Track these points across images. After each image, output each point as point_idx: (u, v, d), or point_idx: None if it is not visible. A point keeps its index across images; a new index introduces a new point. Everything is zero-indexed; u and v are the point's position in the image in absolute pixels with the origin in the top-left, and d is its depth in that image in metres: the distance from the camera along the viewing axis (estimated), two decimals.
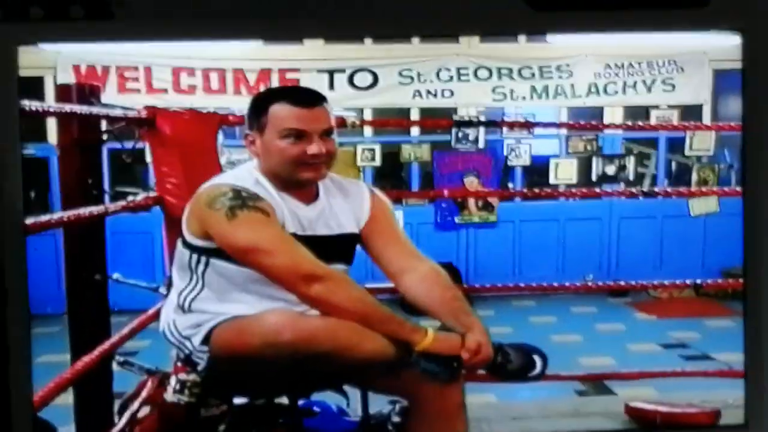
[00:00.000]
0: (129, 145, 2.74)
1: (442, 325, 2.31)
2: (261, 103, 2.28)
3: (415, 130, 3.67)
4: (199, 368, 2.27)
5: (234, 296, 2.25)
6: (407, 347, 2.19)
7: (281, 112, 2.23)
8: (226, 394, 2.37)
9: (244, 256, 2.17)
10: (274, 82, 2.82)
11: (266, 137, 2.24)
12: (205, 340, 2.25)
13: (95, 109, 2.66)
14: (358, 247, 2.44)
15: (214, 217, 2.17)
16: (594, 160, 3.63)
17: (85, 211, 2.60)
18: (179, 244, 2.31)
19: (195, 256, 2.26)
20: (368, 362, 2.19)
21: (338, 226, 2.36)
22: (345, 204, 2.38)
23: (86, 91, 2.67)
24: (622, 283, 3.57)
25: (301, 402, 2.50)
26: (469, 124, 3.29)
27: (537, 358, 2.43)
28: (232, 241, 2.16)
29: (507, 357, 2.35)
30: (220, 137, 2.79)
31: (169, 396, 2.35)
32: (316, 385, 2.43)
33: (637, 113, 3.74)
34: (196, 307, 2.28)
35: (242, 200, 2.17)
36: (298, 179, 2.25)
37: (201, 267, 2.26)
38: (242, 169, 2.33)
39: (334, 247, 2.34)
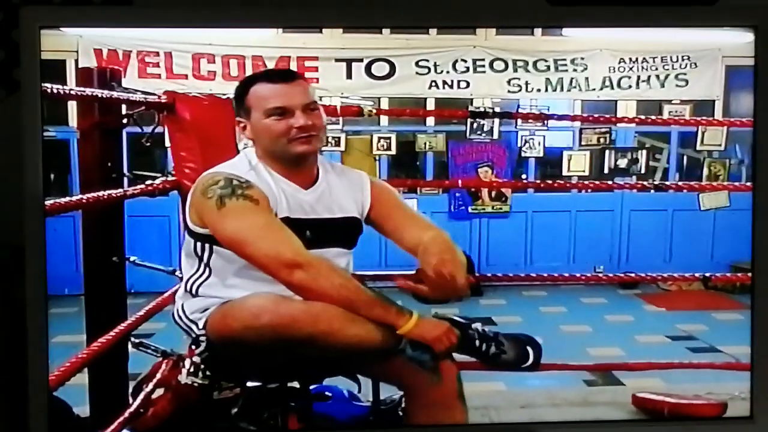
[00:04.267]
0: (148, 129, 2.77)
1: (436, 313, 2.34)
2: (242, 89, 2.35)
3: (430, 120, 3.69)
4: (198, 351, 2.33)
5: (236, 281, 2.29)
6: (396, 333, 2.22)
7: (261, 92, 2.31)
8: (235, 377, 2.41)
9: (230, 245, 2.22)
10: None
11: (253, 119, 2.32)
12: (205, 324, 2.31)
13: (116, 93, 2.69)
14: (372, 231, 2.47)
15: (206, 205, 2.22)
16: (606, 152, 3.64)
17: (103, 193, 2.64)
18: (185, 232, 2.36)
19: (199, 244, 2.31)
20: (353, 348, 2.21)
21: (340, 209, 2.40)
22: (346, 189, 2.42)
23: (107, 75, 2.70)
24: (632, 274, 3.60)
25: (313, 387, 2.54)
26: (484, 115, 3.29)
27: (530, 350, 2.46)
28: (220, 229, 2.22)
29: (501, 347, 2.39)
30: None
31: (183, 378, 2.38)
32: (318, 371, 2.49)
33: (650, 107, 3.76)
34: (203, 292, 2.32)
35: (232, 189, 2.22)
36: (293, 153, 2.30)
37: (206, 254, 2.30)
38: (240, 156, 2.40)
39: (336, 230, 2.39)
